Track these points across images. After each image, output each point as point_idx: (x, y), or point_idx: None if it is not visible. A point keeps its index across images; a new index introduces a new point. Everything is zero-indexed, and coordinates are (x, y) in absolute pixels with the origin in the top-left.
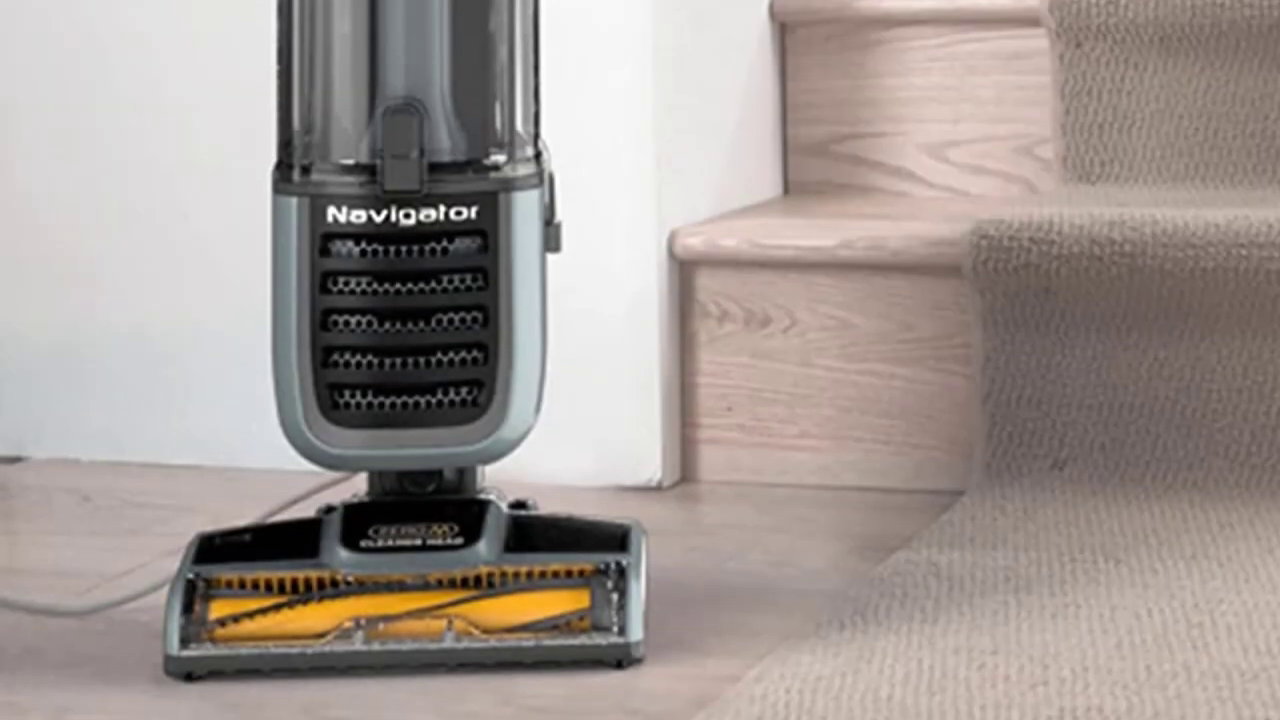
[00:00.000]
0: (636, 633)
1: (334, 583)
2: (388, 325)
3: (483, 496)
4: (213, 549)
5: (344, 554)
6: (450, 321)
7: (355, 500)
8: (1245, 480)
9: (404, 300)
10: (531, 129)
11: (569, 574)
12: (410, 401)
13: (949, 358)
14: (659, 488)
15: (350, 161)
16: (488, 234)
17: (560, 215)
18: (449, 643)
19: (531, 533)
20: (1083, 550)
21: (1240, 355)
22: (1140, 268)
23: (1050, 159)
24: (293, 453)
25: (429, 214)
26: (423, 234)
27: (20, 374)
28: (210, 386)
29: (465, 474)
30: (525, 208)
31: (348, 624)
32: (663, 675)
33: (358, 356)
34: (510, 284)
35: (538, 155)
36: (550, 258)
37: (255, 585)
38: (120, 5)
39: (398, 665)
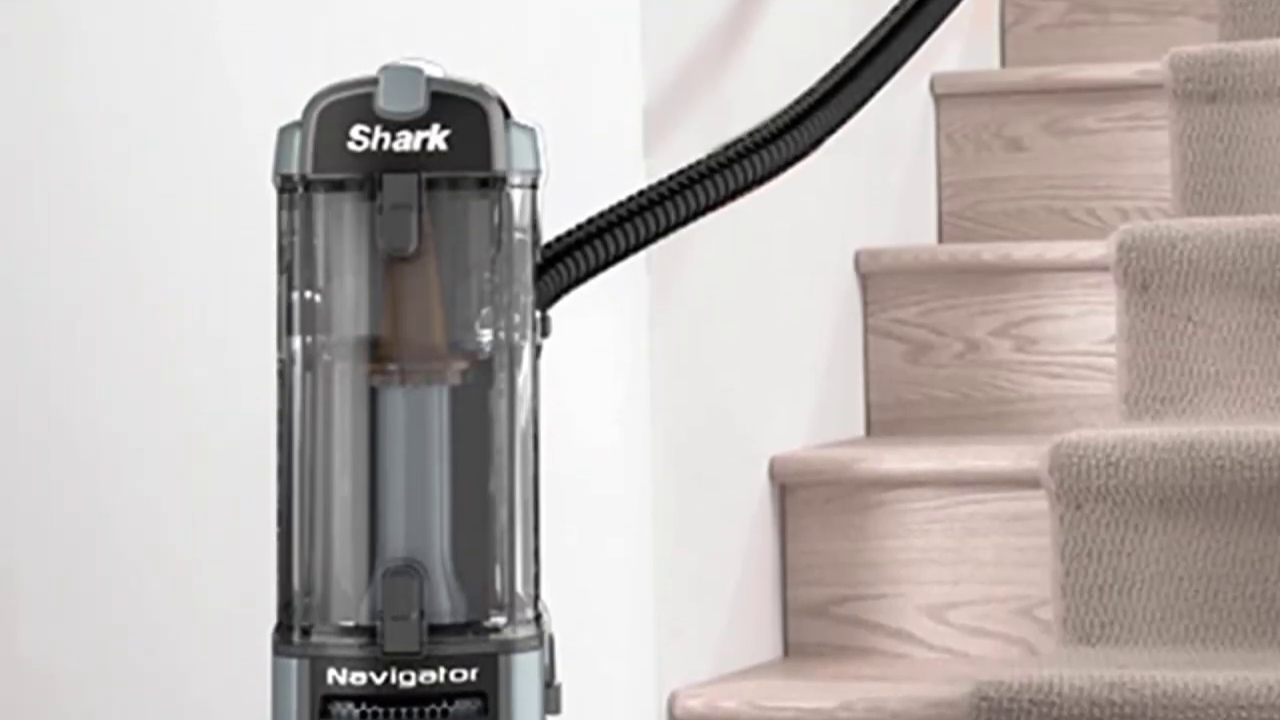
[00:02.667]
0: None
1: None
2: None
3: None
4: None
5: None
6: None
7: None
8: None
9: None
10: (532, 591)
11: None
12: None
13: None
14: None
15: (350, 623)
16: (488, 696)
17: (560, 677)
18: None
19: None
20: None
21: None
22: None
23: (1050, 620)
24: None
25: (429, 676)
26: (423, 696)
27: None
28: None
29: None
30: (525, 670)
31: None
32: None
33: None
34: None
35: (538, 617)
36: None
37: None
38: (126, 474)
39: None
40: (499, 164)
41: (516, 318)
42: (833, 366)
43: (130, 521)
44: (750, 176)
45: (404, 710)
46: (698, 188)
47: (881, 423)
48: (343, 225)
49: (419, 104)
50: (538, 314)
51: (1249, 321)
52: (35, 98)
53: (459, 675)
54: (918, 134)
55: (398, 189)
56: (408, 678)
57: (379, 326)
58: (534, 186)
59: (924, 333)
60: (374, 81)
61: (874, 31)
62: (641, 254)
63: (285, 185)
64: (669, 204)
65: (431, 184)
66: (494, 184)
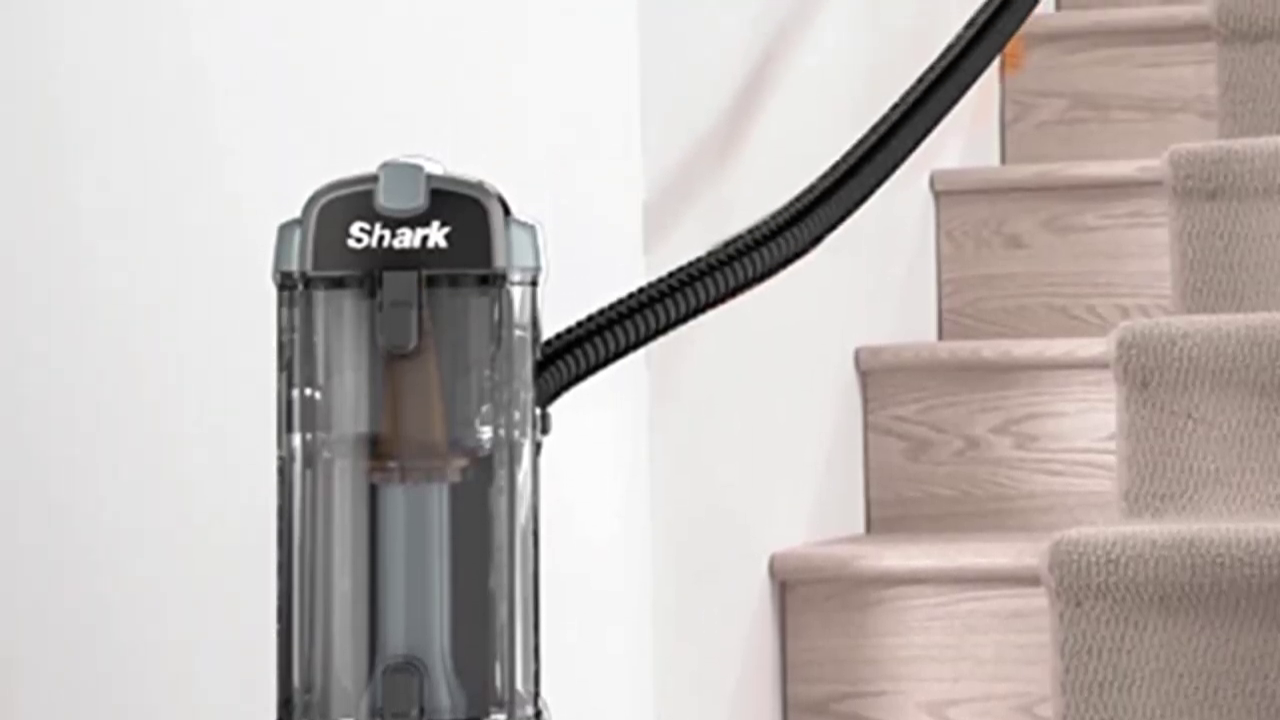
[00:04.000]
0: None
1: None
2: None
3: None
4: None
5: None
6: None
7: None
8: None
9: None
10: (532, 687)
11: None
12: None
13: None
14: None
15: None
16: None
17: None
18: None
19: None
20: None
21: None
22: None
23: (1050, 718)
24: None
25: None
26: None
27: None
28: None
29: None
30: None
31: None
32: None
33: None
34: None
35: (538, 714)
36: None
37: None
38: (126, 568)
39: None
40: (499, 261)
41: (516, 415)
42: (833, 463)
43: (130, 616)
44: (750, 273)
45: None
46: (698, 285)
47: (881, 520)
48: (343, 322)
49: (419, 201)
50: (538, 411)
51: (1249, 419)
52: (35, 191)
53: None
54: (918, 231)
55: (398, 286)
56: None
57: (379, 424)
58: (534, 283)
59: (924, 430)
60: (374, 178)
61: (874, 129)
62: (641, 351)
63: (285, 282)
64: (669, 301)
65: (431, 281)
66: (494, 281)
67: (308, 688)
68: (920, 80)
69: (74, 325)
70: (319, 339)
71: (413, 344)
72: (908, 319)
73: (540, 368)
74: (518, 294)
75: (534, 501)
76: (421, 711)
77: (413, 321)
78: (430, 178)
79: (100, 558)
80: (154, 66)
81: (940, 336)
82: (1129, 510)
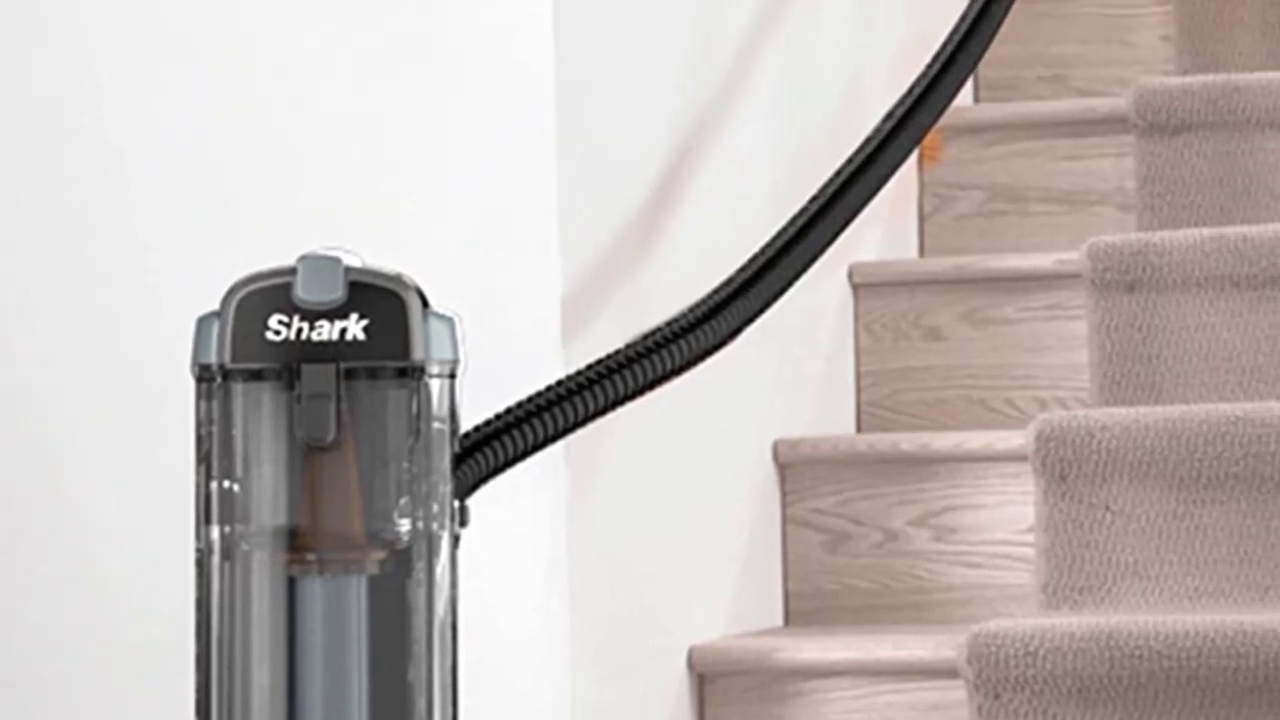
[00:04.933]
0: None
1: None
2: None
3: None
4: None
5: None
6: None
7: None
8: None
9: None
10: None
11: None
12: None
13: None
14: None
15: None
16: None
17: None
18: None
19: None
20: None
21: None
22: None
23: None
24: None
25: None
26: None
27: None
28: None
29: None
30: None
31: None
32: None
33: None
34: None
35: None
36: None
37: None
38: (43, 665)
39: None
40: (417, 353)
41: (435, 507)
42: (751, 556)
43: (47, 713)
44: (669, 366)
45: None
46: (616, 377)
47: (800, 612)
48: (261, 415)
49: (337, 293)
50: (456, 503)
51: (1167, 511)
52: None
53: None
54: (836, 323)
55: (316, 379)
56: None
57: (297, 516)
58: (453, 375)
59: (842, 522)
60: (292, 271)
61: (792, 221)
62: (560, 443)
63: (203, 374)
64: (587, 393)
65: (350, 374)
66: (412, 374)
67: None
68: (838, 173)
69: None
70: (237, 431)
71: (331, 436)
72: (826, 411)
73: (459, 460)
74: (436, 386)
75: (452, 594)
76: None
77: (331, 414)
78: (349, 270)
79: (17, 655)
80: (71, 161)
81: (859, 429)
82: (1047, 603)
